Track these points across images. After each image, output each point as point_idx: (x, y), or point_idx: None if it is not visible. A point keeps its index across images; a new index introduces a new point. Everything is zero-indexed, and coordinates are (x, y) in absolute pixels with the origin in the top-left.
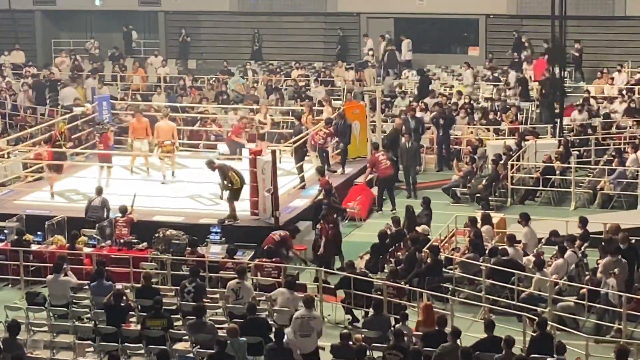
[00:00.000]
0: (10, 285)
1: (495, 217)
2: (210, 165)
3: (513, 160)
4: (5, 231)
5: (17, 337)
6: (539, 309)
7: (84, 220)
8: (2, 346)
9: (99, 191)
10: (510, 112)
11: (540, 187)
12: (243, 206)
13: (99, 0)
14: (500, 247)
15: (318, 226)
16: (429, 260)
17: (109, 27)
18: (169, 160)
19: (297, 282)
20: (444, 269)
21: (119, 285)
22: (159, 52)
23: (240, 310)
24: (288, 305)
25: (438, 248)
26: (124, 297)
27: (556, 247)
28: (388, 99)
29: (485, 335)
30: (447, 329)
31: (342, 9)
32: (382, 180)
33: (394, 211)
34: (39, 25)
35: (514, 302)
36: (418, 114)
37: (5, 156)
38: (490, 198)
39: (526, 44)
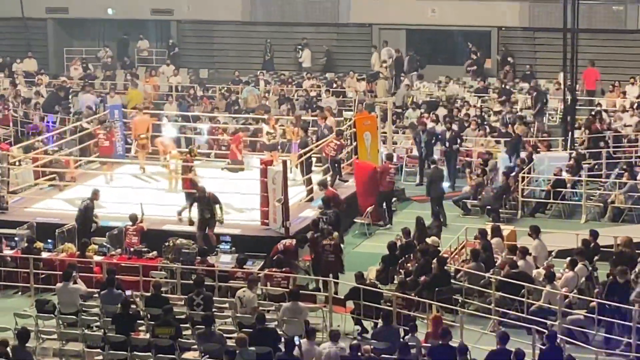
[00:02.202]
0: (20, 293)
1: (506, 229)
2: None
3: (524, 173)
4: (16, 239)
5: (27, 344)
6: (549, 322)
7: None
8: (11, 354)
9: (92, 195)
10: (520, 127)
11: (551, 200)
12: (253, 216)
13: (112, 9)
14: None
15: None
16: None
17: (120, 36)
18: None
19: (303, 292)
20: (453, 281)
21: (127, 292)
22: (171, 61)
23: (250, 320)
24: (295, 317)
25: (445, 259)
26: (133, 305)
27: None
28: (400, 110)
29: (496, 347)
30: (452, 342)
31: (354, 20)
32: (383, 194)
33: (389, 226)
34: (52, 34)
35: (523, 315)
36: (429, 125)
37: (17, 164)
38: (500, 210)
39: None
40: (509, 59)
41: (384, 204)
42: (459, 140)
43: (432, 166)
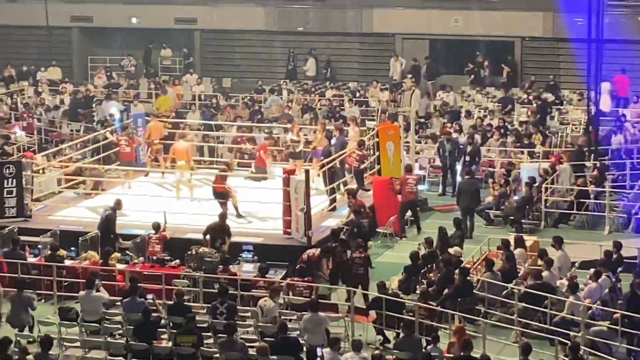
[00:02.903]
0: (43, 300)
1: (529, 240)
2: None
3: (547, 183)
4: (39, 246)
5: (50, 352)
6: (572, 333)
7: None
8: None
9: (115, 205)
10: (536, 135)
11: (575, 211)
12: (275, 225)
13: (136, 18)
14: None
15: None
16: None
17: (145, 45)
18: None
19: (325, 302)
20: (474, 291)
21: (149, 296)
22: (194, 70)
23: (271, 330)
24: (315, 327)
25: (467, 270)
26: (154, 310)
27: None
28: (423, 119)
29: (519, 358)
30: (474, 352)
31: (378, 29)
32: (405, 204)
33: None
34: (76, 42)
35: (546, 326)
36: (453, 135)
37: (41, 172)
38: (523, 221)
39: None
40: (506, 69)
41: (409, 214)
42: (477, 158)
43: (465, 177)
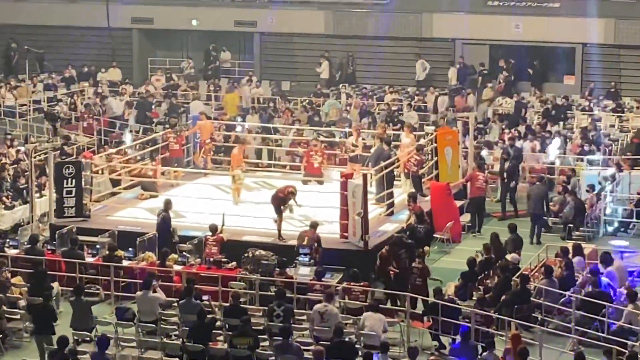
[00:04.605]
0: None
1: (587, 247)
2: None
3: (606, 191)
4: (97, 246)
5: (106, 351)
6: (630, 343)
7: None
8: None
9: (165, 206)
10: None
11: (634, 219)
12: (332, 229)
13: (196, 21)
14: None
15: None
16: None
17: (205, 47)
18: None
19: (381, 305)
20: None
21: (204, 297)
22: (254, 73)
23: (327, 333)
24: (376, 328)
25: (527, 277)
26: (209, 311)
27: None
28: (481, 125)
29: None
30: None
31: (437, 34)
32: (473, 200)
33: (479, 234)
34: (136, 44)
35: (603, 335)
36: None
37: (100, 172)
38: (582, 228)
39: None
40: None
41: (468, 219)
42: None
43: (536, 183)
